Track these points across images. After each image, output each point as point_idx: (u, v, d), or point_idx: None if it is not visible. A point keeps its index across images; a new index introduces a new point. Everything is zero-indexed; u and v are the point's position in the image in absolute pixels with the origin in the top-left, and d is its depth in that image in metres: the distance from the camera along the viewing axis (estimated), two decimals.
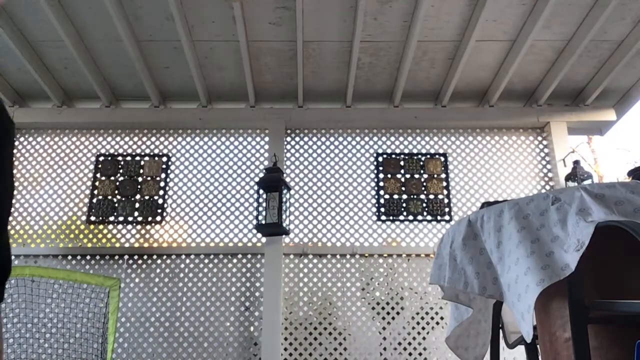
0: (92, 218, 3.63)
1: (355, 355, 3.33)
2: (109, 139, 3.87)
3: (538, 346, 1.72)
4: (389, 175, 3.75)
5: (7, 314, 2.94)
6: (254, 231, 3.57)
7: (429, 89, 3.79)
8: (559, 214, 1.29)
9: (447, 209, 3.65)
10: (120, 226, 3.63)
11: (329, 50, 3.38)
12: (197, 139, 3.89)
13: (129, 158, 3.80)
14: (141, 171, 3.76)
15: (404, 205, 3.67)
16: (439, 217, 3.64)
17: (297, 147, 3.85)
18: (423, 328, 3.39)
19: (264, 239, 3.52)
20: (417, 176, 3.75)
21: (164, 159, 3.80)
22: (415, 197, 3.68)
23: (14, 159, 0.83)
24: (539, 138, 3.89)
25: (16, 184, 3.74)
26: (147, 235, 3.63)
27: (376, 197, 3.70)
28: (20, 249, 3.53)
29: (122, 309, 3.36)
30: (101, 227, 3.64)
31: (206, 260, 3.53)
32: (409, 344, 3.35)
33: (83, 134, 3.89)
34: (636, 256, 1.32)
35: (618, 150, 16.63)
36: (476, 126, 3.90)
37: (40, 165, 3.79)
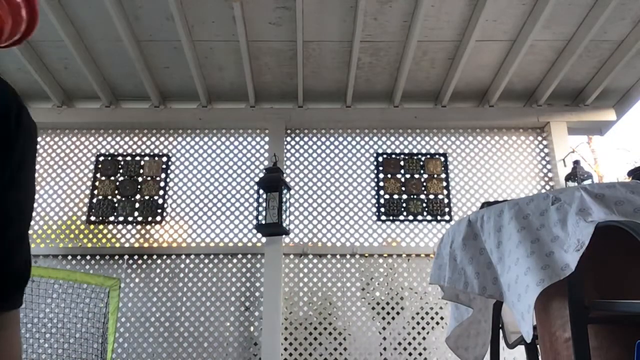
0: (92, 218, 3.63)
1: (355, 355, 3.33)
2: (109, 139, 3.88)
3: (538, 346, 1.72)
4: (389, 175, 3.75)
5: None
6: (254, 231, 3.57)
7: (429, 89, 3.79)
8: (559, 214, 1.29)
9: (447, 209, 3.65)
10: (120, 226, 3.63)
11: (329, 50, 3.38)
12: (197, 139, 3.89)
13: (129, 158, 3.80)
14: (141, 171, 3.76)
15: (404, 205, 3.67)
16: (439, 217, 3.64)
17: (297, 147, 3.85)
18: (423, 328, 3.39)
19: (264, 239, 3.52)
20: (417, 176, 3.75)
21: (164, 159, 3.80)
22: (415, 197, 3.68)
23: (36, 163, 0.83)
24: (539, 138, 3.89)
25: None
26: (147, 235, 3.63)
27: (376, 197, 3.70)
28: None
29: (122, 309, 3.36)
30: (101, 227, 3.64)
31: (206, 260, 3.53)
32: (409, 344, 3.35)
33: (83, 134, 3.89)
34: (636, 256, 1.32)
35: (618, 150, 16.64)
36: (476, 126, 3.90)
37: (40, 166, 3.78)
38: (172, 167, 3.80)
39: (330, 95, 3.83)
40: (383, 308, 3.44)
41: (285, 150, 3.78)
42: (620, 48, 3.31)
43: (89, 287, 3.06)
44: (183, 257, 3.55)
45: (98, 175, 3.74)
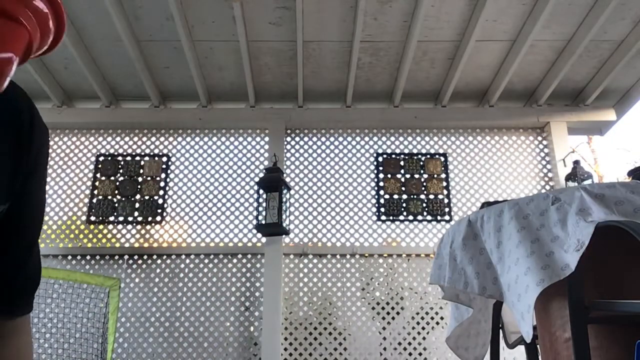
0: (92, 218, 3.63)
1: (355, 355, 3.33)
2: (109, 139, 3.88)
3: (538, 346, 1.72)
4: (389, 175, 3.75)
5: None
6: (254, 231, 3.57)
7: (429, 89, 3.79)
8: (559, 214, 1.29)
9: (447, 209, 3.65)
10: (120, 226, 3.63)
11: (329, 50, 3.38)
12: (197, 139, 3.89)
13: (129, 158, 3.80)
14: (141, 171, 3.76)
15: (404, 205, 3.67)
16: (439, 217, 3.64)
17: (297, 147, 3.85)
18: (423, 328, 3.39)
19: (264, 239, 3.52)
20: (417, 176, 3.75)
21: (164, 159, 3.80)
22: (415, 197, 3.68)
23: (47, 168, 0.82)
24: (539, 138, 3.89)
25: None
26: (147, 235, 3.63)
27: (376, 197, 3.70)
28: None
29: (122, 309, 3.36)
30: (101, 227, 3.64)
31: (206, 260, 3.53)
32: (409, 344, 3.35)
33: (83, 134, 3.89)
34: (636, 256, 1.32)
35: (618, 150, 16.63)
36: (476, 126, 3.90)
37: None
38: (172, 167, 3.80)
39: (330, 95, 3.83)
40: (383, 308, 3.44)
41: (285, 150, 3.78)
42: (620, 48, 3.31)
43: (89, 287, 3.06)
44: (183, 257, 3.55)
45: (98, 175, 3.74)
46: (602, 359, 1.33)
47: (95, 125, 3.87)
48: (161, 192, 3.71)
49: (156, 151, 3.84)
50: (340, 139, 3.88)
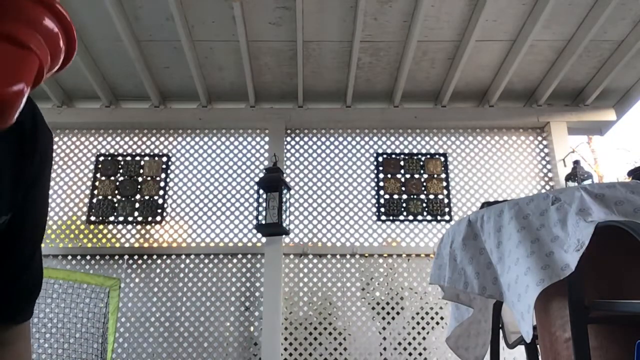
0: (92, 218, 3.63)
1: (355, 355, 3.33)
2: (109, 139, 3.87)
3: (538, 346, 1.72)
4: (389, 175, 3.75)
5: None
6: (254, 231, 3.57)
7: (429, 89, 3.79)
8: (559, 214, 1.29)
9: (447, 209, 3.65)
10: (120, 226, 3.63)
11: (329, 50, 3.38)
12: (197, 139, 3.89)
13: (129, 158, 3.80)
14: (141, 171, 3.76)
15: (404, 205, 3.66)
16: (439, 217, 3.64)
17: (297, 147, 3.85)
18: (423, 328, 3.39)
19: (264, 239, 3.52)
20: (417, 176, 3.75)
21: (164, 159, 3.80)
22: (415, 197, 3.68)
23: (51, 177, 0.80)
24: (539, 138, 3.89)
25: None
26: (147, 235, 3.63)
27: (376, 197, 3.70)
28: None
29: (122, 309, 3.36)
30: (101, 227, 3.64)
31: (206, 260, 3.53)
32: (409, 344, 3.35)
33: (83, 134, 3.89)
34: (636, 256, 1.32)
35: (618, 150, 16.64)
36: (476, 126, 3.90)
37: None
38: (172, 167, 3.80)
39: (330, 95, 3.83)
40: (383, 308, 3.44)
41: (285, 150, 3.78)
42: (620, 48, 3.31)
43: (89, 287, 3.06)
44: (183, 257, 3.55)
45: (98, 175, 3.74)
46: (602, 359, 1.33)
47: (95, 125, 3.87)
48: (161, 192, 3.71)
49: (156, 151, 3.84)
50: (340, 139, 3.88)
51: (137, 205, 3.66)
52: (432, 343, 3.36)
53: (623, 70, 3.48)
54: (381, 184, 3.73)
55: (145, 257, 3.54)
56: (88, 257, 3.53)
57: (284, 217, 3.39)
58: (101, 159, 3.79)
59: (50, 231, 3.61)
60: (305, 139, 3.87)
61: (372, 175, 3.77)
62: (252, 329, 3.39)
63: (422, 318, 3.42)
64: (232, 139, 3.88)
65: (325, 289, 3.48)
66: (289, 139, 3.86)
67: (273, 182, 3.45)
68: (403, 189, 3.71)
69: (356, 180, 3.76)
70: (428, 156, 3.80)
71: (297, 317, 3.42)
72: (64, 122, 3.84)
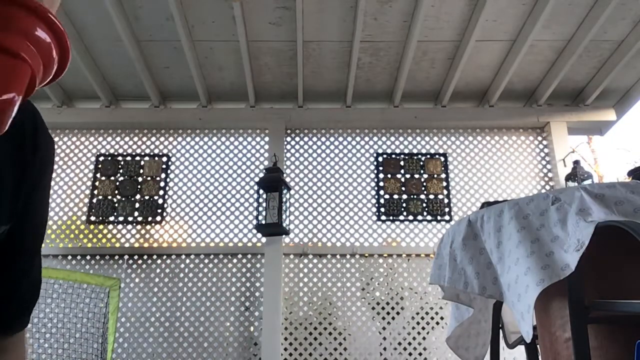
0: (92, 218, 3.63)
1: (355, 355, 3.33)
2: (109, 139, 3.87)
3: (538, 346, 1.72)
4: (389, 175, 3.75)
5: None
6: (254, 231, 3.57)
7: (429, 89, 3.79)
8: (559, 214, 1.29)
9: (447, 209, 3.65)
10: (120, 226, 3.63)
11: (329, 50, 3.38)
12: (197, 139, 3.89)
13: (129, 158, 3.80)
14: (141, 171, 3.76)
15: (404, 205, 3.66)
16: (439, 217, 3.63)
17: (297, 147, 3.85)
18: (423, 328, 3.39)
19: (264, 239, 3.52)
20: (417, 176, 3.75)
21: (164, 159, 3.80)
22: (415, 197, 3.68)
23: (51, 184, 0.79)
24: (539, 138, 3.89)
25: None
26: (147, 235, 3.63)
27: (376, 197, 3.70)
28: None
29: (122, 309, 3.36)
30: (101, 227, 3.64)
31: (206, 260, 3.53)
32: (409, 344, 3.35)
33: (83, 134, 3.89)
34: (636, 256, 1.32)
35: (618, 150, 16.64)
36: (476, 126, 3.90)
37: None
38: (172, 167, 3.80)
39: (330, 95, 3.83)
40: (383, 308, 3.44)
41: (285, 150, 3.78)
42: (620, 48, 3.31)
43: (89, 287, 3.06)
44: (183, 257, 3.55)
45: (98, 175, 3.74)
46: (602, 359, 1.33)
47: (95, 125, 3.87)
48: (161, 192, 3.71)
49: (156, 151, 3.84)
50: (340, 139, 3.88)
51: (137, 205, 3.66)
52: (432, 343, 3.36)
53: (623, 70, 3.48)
54: (381, 184, 3.73)
55: (145, 257, 3.54)
56: (88, 257, 3.53)
57: (284, 217, 3.39)
58: (101, 159, 3.79)
59: (50, 231, 3.61)
60: (305, 139, 3.87)
61: (372, 175, 3.77)
62: (252, 329, 3.39)
63: (422, 318, 3.42)
64: (232, 139, 3.88)
65: (325, 289, 3.48)
66: (289, 139, 3.86)
67: (273, 182, 3.45)
68: (403, 189, 3.71)
69: (356, 180, 3.76)
70: (428, 156, 3.80)
71: (297, 317, 3.42)
72: (64, 122, 3.84)
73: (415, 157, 3.80)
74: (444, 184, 3.72)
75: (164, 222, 3.64)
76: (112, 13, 2.95)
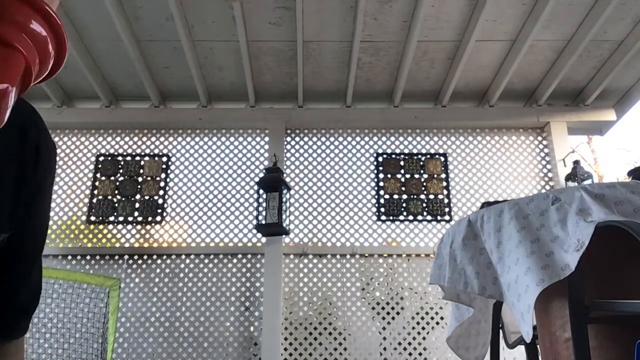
0: (92, 218, 3.63)
1: (355, 355, 3.33)
2: (109, 139, 3.87)
3: (538, 346, 1.72)
4: (389, 175, 3.75)
5: None
6: (254, 231, 3.57)
7: (429, 89, 3.79)
8: (559, 214, 1.29)
9: (447, 209, 3.65)
10: (120, 226, 3.63)
11: (329, 50, 3.38)
12: (197, 139, 3.89)
13: (129, 158, 3.80)
14: (141, 171, 3.76)
15: (404, 205, 3.66)
16: (439, 217, 3.63)
17: (297, 147, 3.85)
18: (423, 328, 3.39)
19: (264, 239, 3.52)
20: (417, 176, 3.75)
21: (164, 159, 3.80)
22: (415, 197, 3.68)
23: (53, 188, 0.78)
24: (539, 138, 3.89)
25: None
26: (147, 235, 3.63)
27: (376, 197, 3.70)
28: None
29: (122, 309, 3.36)
30: (101, 227, 3.64)
31: (206, 260, 3.53)
32: (409, 344, 3.35)
33: (83, 134, 3.89)
34: (636, 256, 1.32)
35: (618, 150, 16.64)
36: (476, 126, 3.90)
37: None
38: (172, 167, 3.80)
39: (330, 95, 3.83)
40: (383, 308, 3.44)
41: (285, 150, 3.78)
42: (620, 48, 3.31)
43: (89, 287, 3.06)
44: (183, 257, 3.55)
45: (98, 175, 3.74)
46: (602, 359, 1.33)
47: (95, 125, 3.87)
48: (161, 192, 3.71)
49: (156, 151, 3.84)
50: (340, 139, 3.88)
51: (137, 205, 3.66)
52: (432, 343, 3.36)
53: (623, 70, 3.48)
54: (381, 184, 3.73)
55: (145, 257, 3.54)
56: (88, 257, 3.53)
57: (284, 217, 3.39)
58: (101, 159, 3.79)
59: (50, 231, 3.61)
60: (305, 139, 3.87)
61: (372, 175, 3.77)
62: (252, 329, 3.39)
63: (422, 318, 3.42)
64: (232, 139, 3.88)
65: (325, 289, 3.48)
66: (289, 139, 3.86)
67: (273, 182, 3.45)
68: (403, 189, 3.71)
69: (356, 180, 3.76)
70: (428, 156, 3.80)
71: (297, 317, 3.42)
72: (64, 122, 3.84)
73: (415, 157, 3.80)
74: (444, 184, 3.72)
75: (164, 222, 3.64)
76: (112, 13, 2.95)
